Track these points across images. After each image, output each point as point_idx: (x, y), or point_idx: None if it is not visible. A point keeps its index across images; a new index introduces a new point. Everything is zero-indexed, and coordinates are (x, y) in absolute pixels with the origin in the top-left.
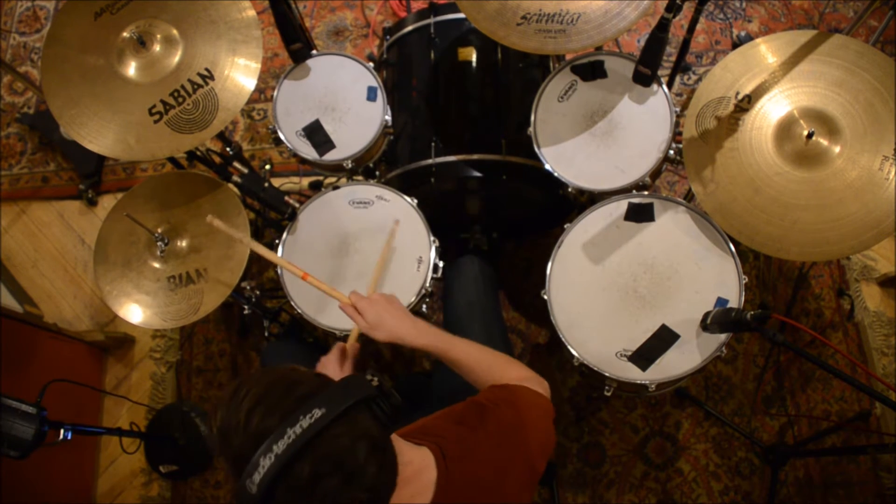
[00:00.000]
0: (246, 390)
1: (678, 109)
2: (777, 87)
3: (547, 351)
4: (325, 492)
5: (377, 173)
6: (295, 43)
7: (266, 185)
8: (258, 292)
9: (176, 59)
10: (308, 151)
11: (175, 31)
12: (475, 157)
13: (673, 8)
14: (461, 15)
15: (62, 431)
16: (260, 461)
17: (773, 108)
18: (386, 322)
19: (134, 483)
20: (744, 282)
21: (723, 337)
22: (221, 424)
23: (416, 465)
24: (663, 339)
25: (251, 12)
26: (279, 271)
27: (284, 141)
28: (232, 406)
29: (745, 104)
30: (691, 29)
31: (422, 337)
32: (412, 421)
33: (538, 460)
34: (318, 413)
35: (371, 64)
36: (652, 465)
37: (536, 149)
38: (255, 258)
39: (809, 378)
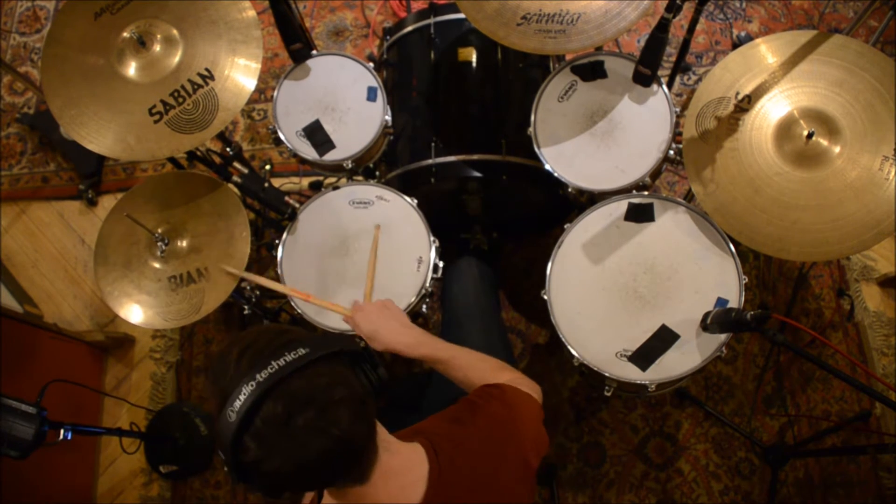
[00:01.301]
0: (239, 339)
1: (678, 109)
2: (777, 88)
3: (547, 351)
4: (298, 424)
5: (377, 173)
6: (295, 43)
7: (266, 185)
8: (258, 292)
9: (176, 59)
10: (308, 151)
11: (175, 31)
12: (475, 157)
13: (673, 8)
14: (461, 15)
15: (62, 431)
16: (242, 389)
17: (773, 109)
18: (380, 333)
19: (134, 483)
20: (744, 282)
21: (723, 337)
22: (214, 369)
23: (405, 456)
24: (663, 339)
25: (251, 12)
26: (279, 272)
27: (284, 141)
28: (225, 353)
29: (745, 104)
30: (691, 29)
31: (416, 347)
32: (408, 425)
33: (531, 456)
34: (302, 351)
35: (371, 64)
36: (652, 465)
37: (536, 149)
38: (255, 259)
39: (809, 378)
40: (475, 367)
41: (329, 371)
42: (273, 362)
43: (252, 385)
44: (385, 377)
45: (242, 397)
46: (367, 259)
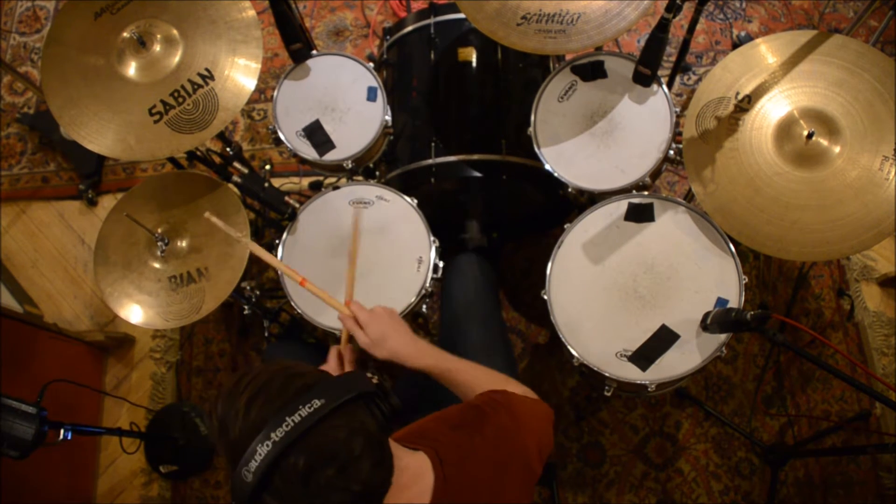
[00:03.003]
0: (247, 381)
1: (678, 109)
2: (777, 87)
3: (547, 351)
4: (319, 483)
5: (377, 173)
6: (295, 43)
7: (266, 185)
8: (258, 292)
9: (176, 59)
10: (308, 151)
11: (175, 31)
12: (475, 157)
13: (673, 8)
14: (461, 15)
15: (62, 431)
16: (257, 449)
17: (773, 108)
18: (388, 340)
19: (134, 483)
20: (744, 282)
21: (723, 337)
22: (221, 414)
23: (413, 469)
24: (663, 339)
25: (251, 12)
26: (279, 271)
27: (284, 141)
28: (232, 396)
29: (745, 104)
30: (691, 29)
31: (422, 358)
32: (409, 422)
33: (536, 463)
34: (317, 403)
35: (371, 64)
36: (652, 465)
37: (536, 149)
38: (256, 258)
39: (809, 378)
40: (479, 379)
41: (346, 421)
42: (288, 418)
43: (268, 445)
44: (398, 404)
45: (258, 458)
46: (372, 258)
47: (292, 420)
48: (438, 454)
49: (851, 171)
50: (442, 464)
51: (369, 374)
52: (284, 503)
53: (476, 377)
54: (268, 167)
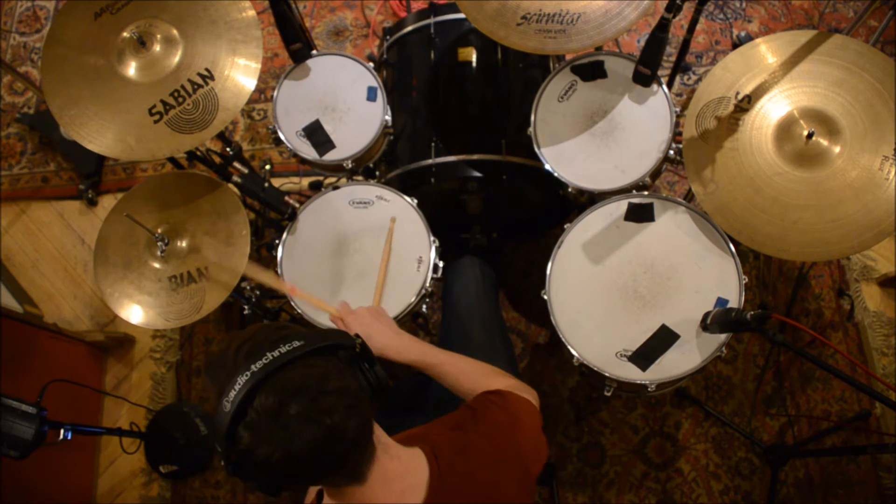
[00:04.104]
0: (238, 335)
1: (678, 109)
2: (777, 87)
3: (547, 351)
4: (290, 413)
5: (377, 173)
6: (295, 43)
7: (266, 185)
8: (258, 292)
9: (176, 59)
10: (308, 151)
11: (175, 31)
12: (475, 157)
13: (673, 8)
14: (461, 15)
15: (62, 431)
16: (237, 379)
17: (773, 108)
18: (372, 338)
19: (134, 483)
20: (744, 282)
21: (723, 337)
22: (213, 365)
23: (405, 460)
24: (663, 339)
25: (251, 12)
26: (279, 272)
27: (284, 141)
28: (223, 349)
29: (745, 104)
30: (691, 29)
31: (406, 353)
32: (410, 424)
33: (532, 462)
34: (296, 344)
35: (371, 64)
36: (652, 465)
37: (536, 149)
38: (255, 259)
39: (809, 378)
40: (466, 371)
41: (323, 363)
42: (268, 353)
43: (247, 375)
44: (383, 376)
45: (237, 387)
46: (372, 257)
47: (272, 354)
48: (434, 450)
49: (851, 171)
50: (437, 459)
51: (354, 336)
52: (256, 435)
53: (463, 369)
54: (268, 167)
